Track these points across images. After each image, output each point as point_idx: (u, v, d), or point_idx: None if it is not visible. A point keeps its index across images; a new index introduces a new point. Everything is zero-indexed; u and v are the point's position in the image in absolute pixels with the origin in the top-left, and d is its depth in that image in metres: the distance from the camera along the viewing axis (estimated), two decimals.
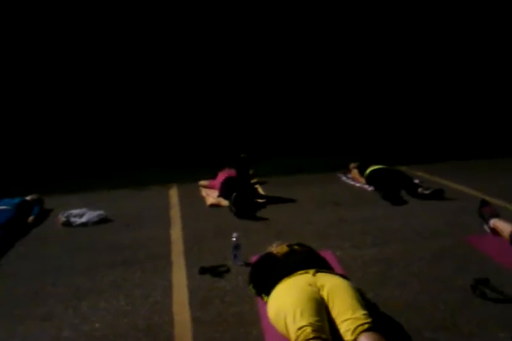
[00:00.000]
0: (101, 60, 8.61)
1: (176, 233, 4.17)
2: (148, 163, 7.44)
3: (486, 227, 3.58)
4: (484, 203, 3.71)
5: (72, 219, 4.56)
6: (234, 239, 3.36)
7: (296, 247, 2.95)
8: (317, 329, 2.08)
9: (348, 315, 2.15)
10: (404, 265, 3.20)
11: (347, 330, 2.11)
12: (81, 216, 4.61)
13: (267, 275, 2.66)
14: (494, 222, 3.47)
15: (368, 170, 5.56)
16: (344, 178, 5.94)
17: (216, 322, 2.57)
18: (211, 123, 8.68)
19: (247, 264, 3.24)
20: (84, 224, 4.51)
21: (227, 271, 3.24)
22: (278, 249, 2.94)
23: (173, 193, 5.71)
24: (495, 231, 3.47)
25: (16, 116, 8.33)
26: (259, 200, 4.99)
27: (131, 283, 3.15)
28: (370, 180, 5.44)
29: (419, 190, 4.87)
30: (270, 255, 2.89)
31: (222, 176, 5.50)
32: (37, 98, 8.51)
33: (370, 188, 5.32)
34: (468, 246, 3.47)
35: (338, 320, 2.18)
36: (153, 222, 4.58)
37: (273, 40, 8.88)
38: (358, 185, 5.57)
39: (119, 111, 8.69)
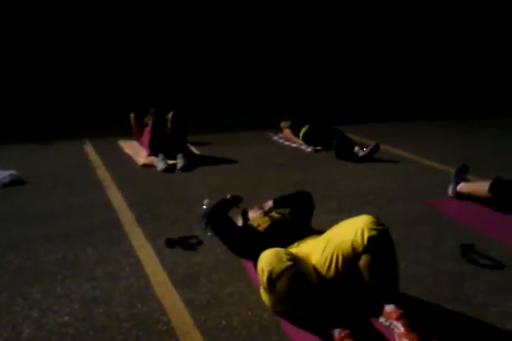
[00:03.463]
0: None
1: (116, 198, 3.59)
2: (50, 114, 6.47)
3: (450, 190, 3.59)
4: (466, 168, 3.63)
5: None
6: (205, 206, 2.95)
7: (276, 216, 2.71)
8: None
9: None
10: None
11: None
12: None
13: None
14: (463, 186, 3.50)
15: (304, 130, 5.36)
16: (276, 138, 5.68)
17: (215, 306, 2.20)
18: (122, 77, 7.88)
19: None
20: None
21: (200, 243, 2.84)
22: (258, 220, 2.67)
23: (89, 149, 4.99)
24: (460, 195, 3.51)
25: None
26: None
27: (86, 261, 2.60)
28: (307, 139, 5.25)
29: (356, 148, 4.77)
30: (250, 229, 2.62)
31: (148, 132, 4.89)
32: None
33: (309, 149, 5.13)
34: (433, 209, 3.47)
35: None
36: (81, 184, 3.92)
37: None
38: (294, 145, 5.35)
39: (21, 59, 7.51)
